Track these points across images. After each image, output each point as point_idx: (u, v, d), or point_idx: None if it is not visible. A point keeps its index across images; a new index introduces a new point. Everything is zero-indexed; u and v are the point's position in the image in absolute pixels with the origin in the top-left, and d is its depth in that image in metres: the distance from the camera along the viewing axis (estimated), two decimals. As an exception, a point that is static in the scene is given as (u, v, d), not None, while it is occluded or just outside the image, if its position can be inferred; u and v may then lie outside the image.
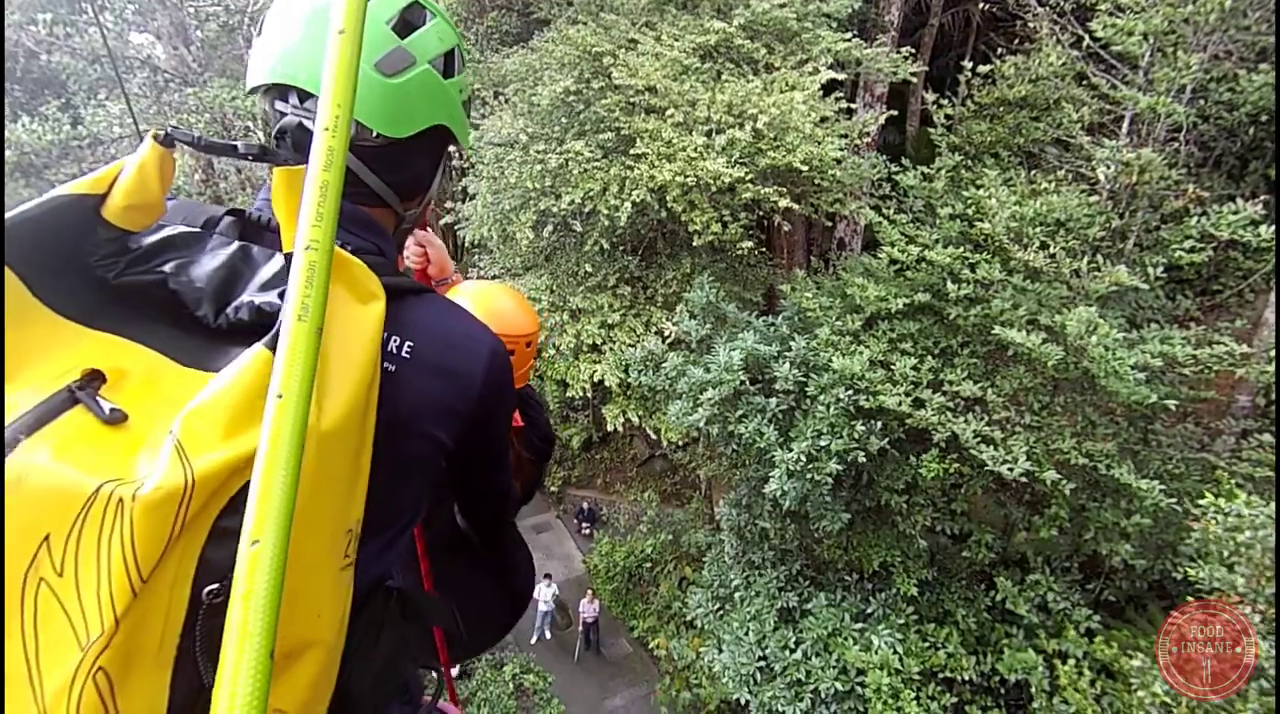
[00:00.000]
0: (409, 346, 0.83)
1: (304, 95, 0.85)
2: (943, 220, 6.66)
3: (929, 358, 6.37)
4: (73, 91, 10.03)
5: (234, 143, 0.79)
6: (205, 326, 0.69)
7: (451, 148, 1.03)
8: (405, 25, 0.87)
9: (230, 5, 7.85)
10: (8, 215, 0.66)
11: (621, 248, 9.18)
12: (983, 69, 7.57)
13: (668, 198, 7.27)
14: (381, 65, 0.84)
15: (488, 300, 1.62)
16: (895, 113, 8.81)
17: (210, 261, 0.72)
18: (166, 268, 0.71)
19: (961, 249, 6.36)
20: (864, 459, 6.25)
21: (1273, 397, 7.17)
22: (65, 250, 0.67)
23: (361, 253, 0.84)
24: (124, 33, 8.86)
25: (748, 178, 6.90)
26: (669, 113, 7.48)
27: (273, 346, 0.58)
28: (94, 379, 0.61)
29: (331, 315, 0.67)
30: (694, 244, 7.78)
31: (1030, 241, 6.14)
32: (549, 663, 11.66)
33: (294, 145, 0.87)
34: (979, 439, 5.72)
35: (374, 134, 0.87)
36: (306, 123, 0.83)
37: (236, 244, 0.76)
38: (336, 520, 0.67)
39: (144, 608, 0.52)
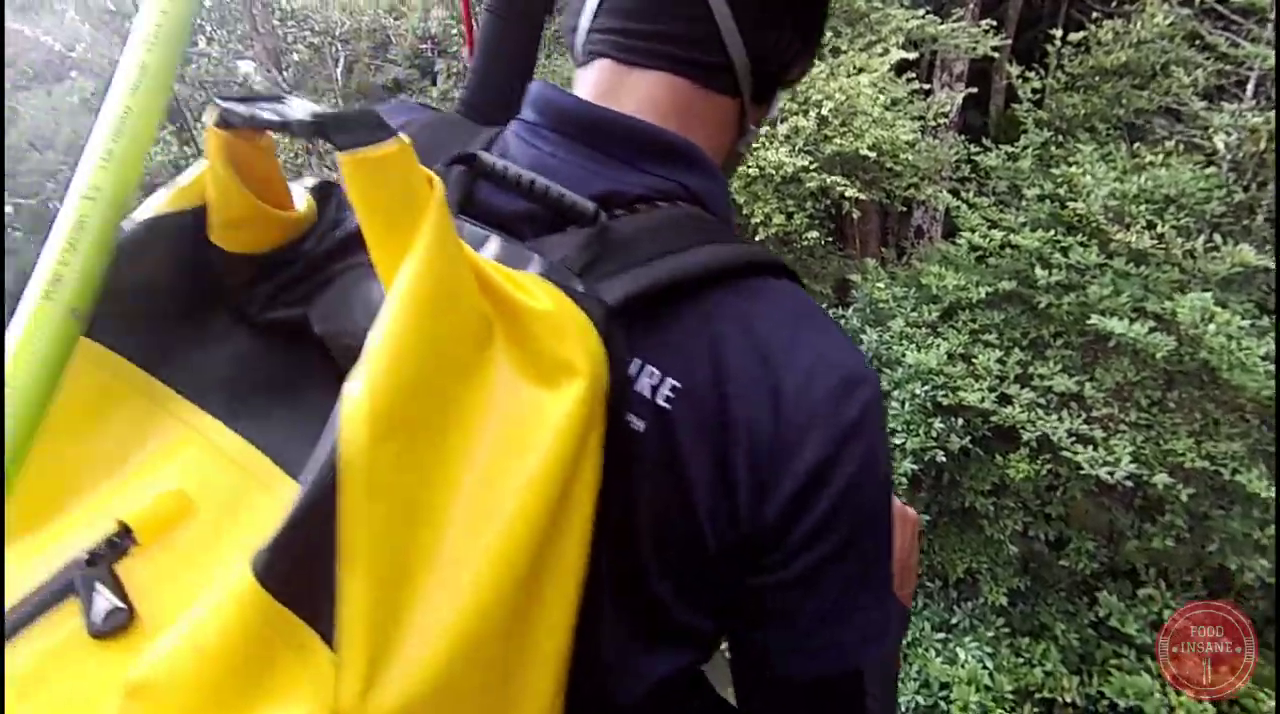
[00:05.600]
0: (671, 388, 0.43)
1: None
2: (1030, 202, 6.17)
3: (1016, 350, 5.90)
4: (186, 116, 11.04)
5: (288, 120, 0.38)
6: None
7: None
8: None
9: (315, 27, 8.34)
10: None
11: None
12: (1075, 37, 6.93)
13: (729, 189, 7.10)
14: None
15: None
16: (975, 91, 8.22)
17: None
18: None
19: (1052, 232, 5.84)
20: (944, 458, 5.88)
21: None
22: (171, 291, 0.43)
23: (656, 197, 0.49)
24: (225, 60, 9.58)
25: (812, 167, 6.63)
26: (730, 104, 7.31)
27: (259, 572, 0.29)
28: (122, 540, 0.36)
29: (461, 417, 0.33)
30: (758, 237, 7.56)
31: (1134, 221, 5.57)
32: None
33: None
34: (1075, 439, 5.23)
35: None
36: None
37: None
38: None
39: None
